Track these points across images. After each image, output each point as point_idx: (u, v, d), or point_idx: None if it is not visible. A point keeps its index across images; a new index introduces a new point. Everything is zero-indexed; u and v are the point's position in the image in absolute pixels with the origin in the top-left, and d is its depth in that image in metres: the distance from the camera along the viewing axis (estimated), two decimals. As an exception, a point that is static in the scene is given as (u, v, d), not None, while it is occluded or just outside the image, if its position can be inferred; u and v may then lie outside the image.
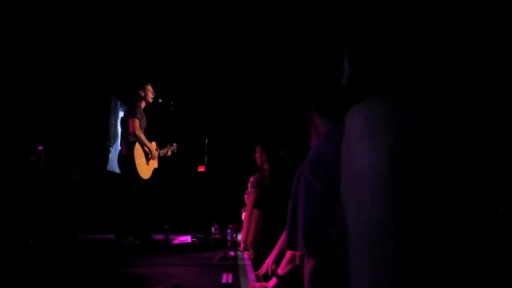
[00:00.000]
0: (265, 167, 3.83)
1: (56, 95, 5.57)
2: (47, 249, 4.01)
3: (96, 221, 5.82)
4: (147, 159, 4.78)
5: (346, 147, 0.84)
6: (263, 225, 3.56)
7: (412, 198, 0.70)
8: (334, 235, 1.35)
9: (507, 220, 0.69)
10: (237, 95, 7.02)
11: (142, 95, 4.78)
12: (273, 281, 2.10)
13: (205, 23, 5.59)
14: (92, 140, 6.28)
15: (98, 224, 5.76)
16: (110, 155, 6.79)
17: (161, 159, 5.06)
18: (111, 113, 6.92)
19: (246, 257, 3.61)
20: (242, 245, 3.99)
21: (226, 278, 2.58)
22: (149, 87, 4.83)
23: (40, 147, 4.44)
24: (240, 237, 4.34)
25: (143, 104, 4.82)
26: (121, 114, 7.02)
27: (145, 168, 4.71)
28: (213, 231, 5.00)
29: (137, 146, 4.62)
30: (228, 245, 4.42)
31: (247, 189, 4.37)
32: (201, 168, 5.93)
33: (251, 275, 2.66)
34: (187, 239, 4.93)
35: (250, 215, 3.85)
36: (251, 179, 4.09)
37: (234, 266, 3.08)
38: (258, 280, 2.47)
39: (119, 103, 7.23)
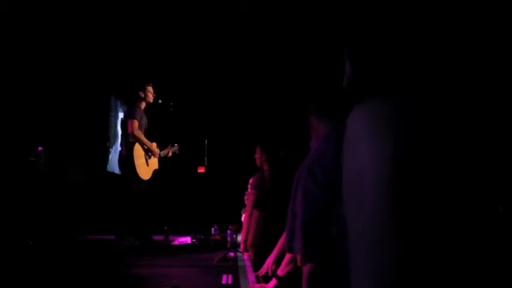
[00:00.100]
0: (265, 167, 3.83)
1: (56, 95, 5.57)
2: (47, 250, 4.01)
3: (96, 221, 5.82)
4: (147, 160, 4.77)
5: (347, 147, 0.84)
6: (263, 226, 3.56)
7: (413, 198, 0.70)
8: (335, 234, 1.35)
9: (507, 220, 0.69)
10: (237, 95, 7.02)
11: (142, 95, 4.78)
12: (273, 282, 2.10)
13: (205, 24, 5.59)
14: (92, 140, 6.28)
15: (98, 224, 5.76)
16: (110, 156, 6.79)
17: (162, 160, 5.05)
18: (111, 114, 6.92)
19: (245, 258, 3.61)
20: (242, 246, 3.98)
21: (226, 279, 2.58)
22: (149, 88, 4.83)
23: (40, 148, 4.44)
24: (239, 238, 4.34)
25: (143, 105, 4.82)
26: (121, 115, 7.03)
27: (145, 169, 4.71)
28: (212, 232, 5.00)
29: (137, 147, 4.62)
30: (228, 246, 4.41)
31: (247, 190, 4.36)
32: (201, 169, 5.93)
33: (251, 276, 2.66)
34: (187, 240, 4.93)
35: (250, 215, 3.84)
36: (251, 180, 4.09)
37: (233, 267, 3.07)
38: (258, 281, 2.47)
39: (118, 103, 7.23)
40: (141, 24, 5.60)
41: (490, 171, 0.71)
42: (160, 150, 5.09)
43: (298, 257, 1.66)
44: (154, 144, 4.96)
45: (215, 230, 5.01)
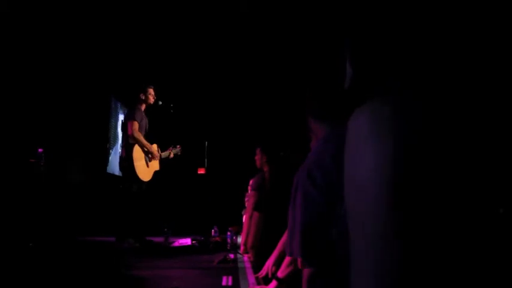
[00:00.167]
0: (265, 169, 3.83)
1: (56, 97, 5.58)
2: (47, 252, 4.00)
3: (96, 223, 5.82)
4: (147, 162, 4.77)
5: (348, 148, 0.84)
6: (263, 227, 3.55)
7: (414, 198, 0.70)
8: (335, 236, 1.34)
9: (507, 221, 0.69)
10: (237, 97, 7.02)
11: (143, 97, 4.79)
12: (273, 283, 2.09)
13: (205, 25, 5.59)
14: (92, 142, 6.28)
15: (98, 226, 5.75)
16: (110, 158, 6.79)
17: (162, 162, 5.05)
18: (111, 115, 6.92)
19: (246, 259, 3.60)
20: (242, 247, 3.98)
21: (226, 280, 2.58)
22: (151, 91, 4.83)
23: (40, 150, 4.44)
24: (240, 239, 4.33)
25: (143, 107, 4.82)
26: (121, 117, 7.03)
27: (145, 171, 4.71)
28: (213, 233, 5.00)
29: (136, 148, 4.62)
30: (228, 248, 4.41)
31: (248, 191, 4.36)
32: (201, 171, 5.93)
33: (251, 278, 2.65)
34: (187, 241, 4.92)
35: (250, 217, 3.84)
36: (251, 181, 4.09)
37: (234, 269, 3.07)
38: (258, 283, 2.47)
39: (118, 105, 7.23)
40: (141, 25, 5.60)
41: (490, 172, 0.70)
42: (162, 152, 5.09)
43: (299, 259, 1.66)
44: (154, 146, 4.96)
45: (215, 232, 5.01)
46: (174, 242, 4.91)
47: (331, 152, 1.48)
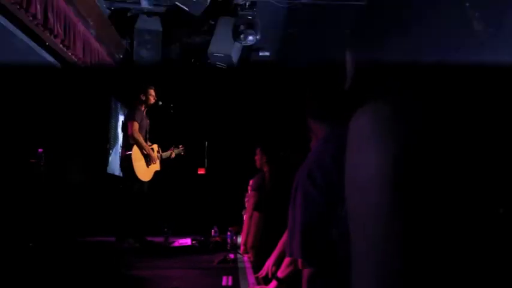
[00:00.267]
0: (265, 169, 3.83)
1: (56, 97, 5.57)
2: (47, 252, 4.00)
3: (97, 223, 5.82)
4: (147, 162, 4.77)
5: (350, 148, 0.84)
6: (263, 227, 3.55)
7: (416, 199, 0.70)
8: (336, 236, 1.35)
9: (507, 222, 0.69)
10: (237, 97, 7.02)
11: (144, 98, 4.79)
12: (273, 283, 2.09)
13: (205, 24, 5.59)
14: (92, 142, 6.28)
15: (98, 226, 5.75)
16: (110, 158, 6.79)
17: (162, 162, 5.05)
18: (111, 116, 6.92)
19: (246, 259, 3.60)
20: (242, 247, 3.98)
21: (226, 280, 2.58)
22: (151, 91, 4.83)
23: (40, 150, 4.44)
24: (240, 239, 4.34)
25: (144, 107, 4.82)
26: (121, 117, 7.04)
27: (144, 171, 4.71)
28: (213, 233, 5.00)
29: (135, 149, 4.62)
30: (228, 248, 4.41)
31: (248, 191, 4.36)
32: (201, 171, 5.93)
33: (251, 278, 2.66)
34: (187, 241, 4.92)
35: (250, 217, 3.84)
36: (251, 181, 4.09)
37: (234, 269, 3.07)
38: (258, 283, 2.47)
39: (119, 106, 7.23)
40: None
41: (491, 172, 0.71)
42: (163, 152, 5.09)
43: (299, 259, 1.66)
44: (155, 146, 4.96)
45: (215, 232, 5.01)
46: (174, 242, 4.92)
47: (331, 152, 1.48)
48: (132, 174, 4.56)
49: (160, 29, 5.21)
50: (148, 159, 4.72)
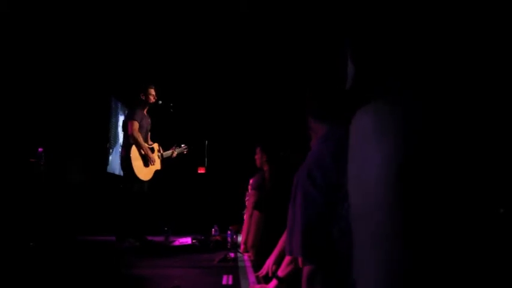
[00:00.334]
0: (265, 168, 3.83)
1: (56, 96, 5.58)
2: (47, 251, 4.01)
3: (97, 222, 5.82)
4: (146, 162, 4.76)
5: (352, 147, 0.84)
6: (263, 226, 3.56)
7: (417, 199, 0.70)
8: (337, 235, 1.35)
9: (508, 221, 0.69)
10: (237, 96, 7.02)
11: (144, 97, 4.78)
12: (273, 282, 2.10)
13: (205, 24, 5.59)
14: (92, 141, 6.28)
15: (98, 225, 5.76)
16: (111, 157, 6.79)
17: (164, 161, 5.05)
18: (111, 115, 6.92)
19: (246, 258, 3.61)
20: (242, 246, 3.98)
21: (227, 279, 2.58)
22: (151, 91, 4.83)
23: (40, 149, 4.44)
24: (240, 238, 4.34)
25: (144, 107, 4.82)
26: (121, 116, 7.04)
27: (144, 170, 4.70)
28: (213, 232, 5.00)
29: (134, 148, 4.62)
30: (228, 247, 4.41)
31: (248, 191, 4.36)
32: (201, 170, 5.92)
33: (251, 277, 2.66)
34: (188, 240, 4.92)
35: (250, 216, 3.85)
36: (251, 180, 4.09)
37: (234, 268, 3.07)
38: (258, 282, 2.47)
39: (119, 105, 7.23)
40: (141, 25, 5.60)
41: (491, 172, 0.71)
42: (165, 151, 5.09)
43: (299, 258, 1.66)
44: (156, 145, 4.96)
45: (215, 231, 5.01)
46: (174, 241, 4.92)
47: (331, 151, 1.48)
48: (131, 174, 4.56)
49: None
50: (146, 160, 4.71)
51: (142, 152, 4.68)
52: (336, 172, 1.41)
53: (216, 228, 5.04)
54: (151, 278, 2.65)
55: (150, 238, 4.72)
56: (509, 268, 0.68)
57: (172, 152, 5.17)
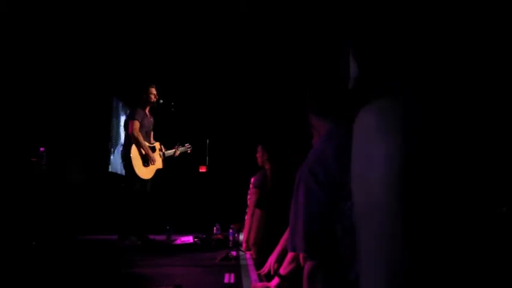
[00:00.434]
0: (267, 166, 3.83)
1: (58, 96, 5.58)
2: (50, 250, 4.02)
3: (98, 221, 5.83)
4: (146, 162, 4.76)
5: (356, 146, 0.84)
6: (265, 225, 3.56)
7: (420, 199, 0.70)
8: (340, 233, 1.35)
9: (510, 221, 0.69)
10: (238, 95, 7.02)
11: (145, 97, 4.79)
12: (275, 280, 2.10)
13: (206, 24, 5.59)
14: (94, 141, 6.29)
15: (100, 224, 5.77)
16: (113, 157, 6.80)
17: (166, 160, 5.05)
18: (112, 115, 6.93)
19: (248, 256, 3.61)
20: (244, 244, 3.99)
21: (229, 278, 2.59)
22: (152, 90, 4.83)
23: (42, 149, 4.45)
24: (241, 237, 4.34)
25: (146, 106, 4.82)
26: (123, 116, 7.05)
27: (145, 169, 4.70)
28: (214, 231, 5.00)
29: (134, 147, 4.63)
30: (230, 245, 4.41)
31: (250, 189, 4.36)
32: (203, 169, 5.93)
33: (253, 275, 2.66)
34: (189, 239, 4.93)
35: (252, 215, 3.85)
36: (252, 179, 4.09)
37: (236, 266, 3.08)
38: (260, 280, 2.47)
39: (120, 105, 7.24)
40: (142, 25, 5.60)
41: (493, 173, 0.71)
42: (167, 150, 5.09)
43: (301, 255, 1.67)
44: (157, 144, 4.96)
45: (217, 229, 5.01)
46: (176, 239, 4.93)
47: (333, 149, 1.48)
48: (132, 173, 4.56)
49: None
50: (146, 159, 4.71)
51: (143, 152, 4.68)
52: (339, 170, 1.41)
53: (217, 226, 5.05)
54: (153, 277, 2.66)
55: (151, 237, 4.73)
56: (510, 268, 0.68)
57: (175, 151, 5.17)
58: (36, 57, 5.17)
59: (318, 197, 1.45)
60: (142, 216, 4.61)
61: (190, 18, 5.52)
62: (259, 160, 3.95)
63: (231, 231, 4.52)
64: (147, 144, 4.74)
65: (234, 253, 3.64)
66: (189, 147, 5.37)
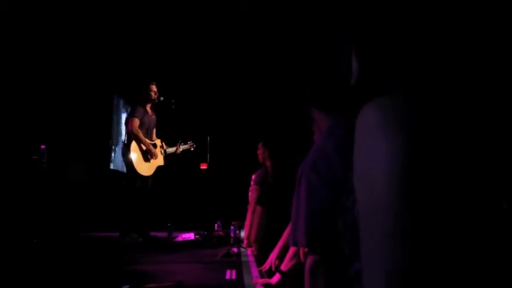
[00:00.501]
0: (268, 163, 3.83)
1: (59, 94, 5.58)
2: (51, 248, 4.02)
3: (100, 219, 5.84)
4: (147, 157, 4.76)
5: (358, 143, 0.84)
6: (266, 221, 3.56)
7: (422, 198, 0.70)
8: (342, 228, 1.35)
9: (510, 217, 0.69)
10: (239, 92, 7.01)
11: (145, 94, 4.79)
12: (277, 277, 2.10)
13: (207, 21, 5.58)
14: (94, 138, 6.29)
15: (101, 222, 5.78)
16: (115, 154, 6.81)
17: (167, 157, 5.05)
18: (113, 112, 6.93)
19: (249, 253, 3.61)
20: (245, 241, 3.99)
21: (230, 274, 2.59)
22: (153, 87, 4.83)
23: (43, 146, 4.45)
24: (243, 233, 4.35)
25: (147, 103, 4.82)
26: (124, 113, 7.05)
27: (145, 165, 4.71)
28: (216, 228, 5.01)
29: (134, 144, 4.63)
30: (231, 242, 4.42)
31: (251, 186, 4.37)
32: (204, 166, 5.93)
33: (254, 271, 2.67)
34: (191, 236, 4.94)
35: (253, 211, 3.85)
36: (253, 176, 4.09)
37: (237, 263, 3.08)
38: (262, 276, 2.48)
39: (121, 102, 7.24)
40: (143, 23, 5.59)
41: (494, 169, 0.71)
42: (169, 147, 5.09)
43: (302, 251, 1.67)
44: (158, 141, 4.96)
45: (218, 226, 5.02)
46: (177, 236, 4.93)
47: (335, 144, 1.48)
48: (132, 169, 4.56)
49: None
50: (147, 155, 4.72)
51: (143, 147, 4.69)
52: (341, 165, 1.41)
53: (218, 223, 5.05)
54: (154, 274, 2.66)
55: (153, 234, 4.74)
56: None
57: (177, 148, 5.17)
58: (37, 55, 5.16)
59: (320, 193, 1.45)
60: (144, 213, 4.62)
61: (192, 16, 5.51)
62: (260, 157, 3.95)
63: (232, 228, 4.52)
64: (148, 141, 4.75)
65: (235, 250, 3.65)
66: (192, 145, 5.37)
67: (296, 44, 5.43)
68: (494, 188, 0.70)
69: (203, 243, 4.58)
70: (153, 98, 4.83)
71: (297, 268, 1.98)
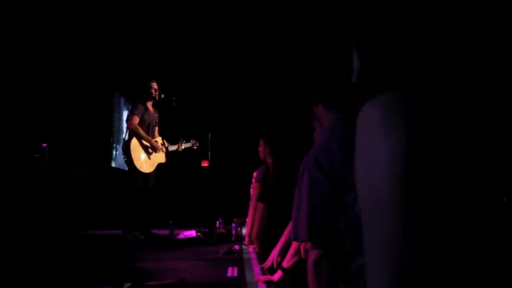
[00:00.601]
0: (269, 160, 3.83)
1: (60, 92, 5.58)
2: (53, 246, 4.03)
3: (102, 217, 5.85)
4: (148, 153, 4.76)
5: (360, 141, 0.84)
6: (267, 218, 3.56)
7: (423, 198, 0.70)
8: (343, 225, 1.35)
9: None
10: (240, 89, 7.01)
11: (144, 92, 4.79)
12: (278, 274, 2.11)
13: (208, 19, 5.57)
14: (96, 136, 6.30)
15: (103, 219, 5.79)
16: (117, 152, 6.82)
17: (169, 155, 5.05)
18: (114, 110, 6.94)
19: (251, 250, 3.62)
20: (247, 238, 4.00)
21: (232, 271, 2.59)
22: (153, 85, 4.83)
23: (44, 145, 4.46)
24: (244, 231, 4.35)
25: (147, 101, 4.82)
26: (125, 111, 7.06)
27: (146, 162, 4.70)
28: (217, 225, 5.02)
29: (134, 140, 4.63)
30: (233, 239, 4.43)
31: (252, 183, 4.37)
32: (205, 163, 5.93)
33: (256, 268, 2.67)
34: (192, 233, 4.95)
35: (254, 208, 3.85)
36: (255, 173, 4.09)
37: (239, 260, 3.08)
38: (263, 273, 2.48)
39: (122, 100, 7.24)
40: (144, 21, 5.59)
41: (494, 168, 0.71)
42: (171, 145, 5.10)
43: (302, 247, 1.67)
44: (159, 139, 4.96)
45: (220, 223, 5.02)
46: (179, 234, 4.94)
47: (338, 139, 1.48)
48: (132, 167, 4.56)
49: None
50: (148, 150, 4.73)
51: (144, 143, 4.69)
52: (343, 161, 1.41)
53: (220, 221, 5.06)
54: (156, 271, 2.67)
55: (155, 231, 4.74)
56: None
57: (179, 146, 5.17)
58: (38, 53, 5.16)
59: (322, 187, 1.45)
60: (146, 210, 4.63)
61: (193, 14, 5.50)
62: (261, 154, 3.94)
63: (233, 225, 4.53)
64: (148, 137, 4.76)
65: (237, 247, 3.65)
66: (195, 144, 5.37)
67: (297, 41, 5.42)
68: (494, 187, 0.70)
69: (205, 241, 4.59)
70: (153, 95, 4.83)
71: (299, 265, 1.98)
